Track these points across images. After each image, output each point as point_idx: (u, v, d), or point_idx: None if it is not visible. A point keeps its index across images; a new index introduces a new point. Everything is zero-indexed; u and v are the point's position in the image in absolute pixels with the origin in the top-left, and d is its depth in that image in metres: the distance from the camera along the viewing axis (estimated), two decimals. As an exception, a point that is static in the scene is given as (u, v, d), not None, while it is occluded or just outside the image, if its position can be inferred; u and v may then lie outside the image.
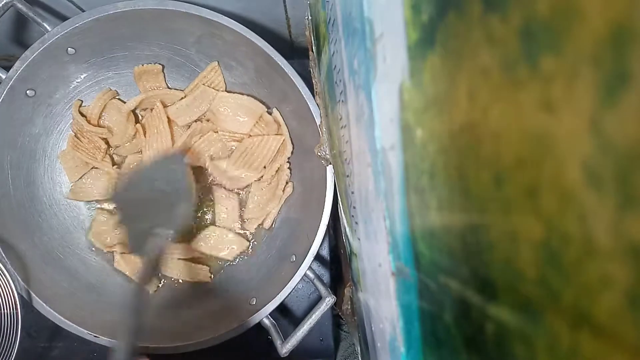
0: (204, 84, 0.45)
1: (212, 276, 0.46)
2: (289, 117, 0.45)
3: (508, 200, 0.12)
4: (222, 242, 0.46)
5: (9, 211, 0.40)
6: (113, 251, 0.45)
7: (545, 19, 0.10)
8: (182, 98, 0.46)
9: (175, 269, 0.45)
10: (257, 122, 0.46)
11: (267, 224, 0.47)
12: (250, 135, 0.46)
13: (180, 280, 0.46)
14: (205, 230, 0.46)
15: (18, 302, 0.36)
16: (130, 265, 0.45)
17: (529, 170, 0.11)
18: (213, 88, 0.45)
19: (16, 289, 0.36)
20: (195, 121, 0.47)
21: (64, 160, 0.45)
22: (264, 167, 0.46)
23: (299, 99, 0.39)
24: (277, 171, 0.46)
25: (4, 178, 0.40)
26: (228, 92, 0.46)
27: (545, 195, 0.10)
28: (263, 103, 0.45)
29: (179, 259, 0.46)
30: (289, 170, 0.46)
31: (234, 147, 0.47)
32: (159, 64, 0.45)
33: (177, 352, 0.38)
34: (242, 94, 0.46)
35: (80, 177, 0.45)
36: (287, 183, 0.46)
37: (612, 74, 0.08)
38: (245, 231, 0.47)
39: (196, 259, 0.46)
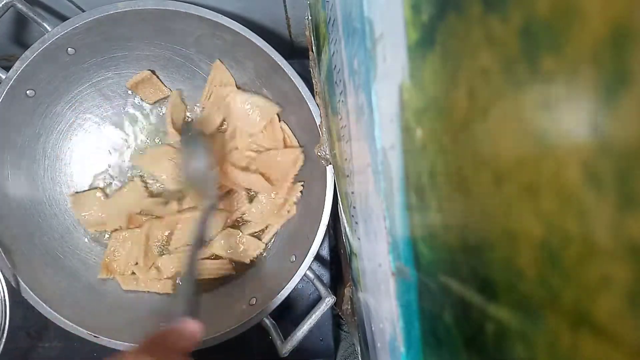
0: (215, 86, 0.45)
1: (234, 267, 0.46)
2: (289, 118, 0.45)
3: (508, 200, 0.12)
4: (237, 245, 0.46)
5: (9, 211, 0.40)
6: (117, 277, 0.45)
7: (545, 19, 0.10)
8: (203, 108, 0.46)
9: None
10: (266, 124, 0.45)
11: (265, 239, 0.46)
12: (267, 148, 0.46)
13: (179, 282, 0.46)
14: (219, 235, 0.46)
15: (7, 298, 0.36)
16: (141, 274, 0.45)
17: (529, 170, 0.11)
18: (224, 85, 0.45)
19: (5, 283, 0.36)
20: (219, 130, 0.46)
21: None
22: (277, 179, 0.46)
23: (299, 99, 0.39)
24: (289, 188, 0.46)
25: (4, 178, 0.40)
26: (240, 89, 0.46)
27: (545, 195, 0.10)
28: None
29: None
30: (300, 194, 0.45)
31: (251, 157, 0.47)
32: (147, 69, 0.45)
33: (177, 352, 0.38)
34: (257, 93, 0.45)
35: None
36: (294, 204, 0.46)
37: (612, 74, 0.08)
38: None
39: (214, 256, 0.47)
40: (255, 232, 0.47)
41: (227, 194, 0.46)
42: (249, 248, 0.46)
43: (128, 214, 0.45)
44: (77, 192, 0.46)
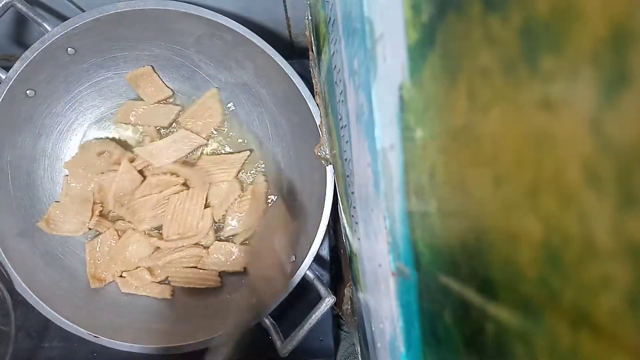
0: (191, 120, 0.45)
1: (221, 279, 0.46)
2: (289, 118, 0.45)
3: (508, 200, 0.12)
4: (230, 255, 0.46)
5: (9, 211, 0.40)
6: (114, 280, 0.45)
7: (545, 19, 0.10)
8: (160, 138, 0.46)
9: (184, 277, 0.45)
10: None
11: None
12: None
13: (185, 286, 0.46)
14: (211, 248, 0.46)
15: (10, 307, 0.36)
16: (136, 282, 0.44)
17: (529, 170, 0.11)
18: (207, 117, 0.46)
19: (7, 294, 0.36)
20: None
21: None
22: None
23: (299, 99, 0.39)
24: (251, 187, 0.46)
25: (4, 178, 0.40)
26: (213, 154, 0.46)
27: (545, 195, 0.10)
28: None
29: (185, 267, 0.45)
30: (265, 183, 0.46)
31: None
32: (149, 65, 0.44)
33: (178, 352, 0.38)
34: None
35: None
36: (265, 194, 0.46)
37: (612, 74, 0.08)
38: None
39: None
40: (246, 240, 0.46)
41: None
42: (240, 256, 0.45)
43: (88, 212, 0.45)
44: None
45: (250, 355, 0.45)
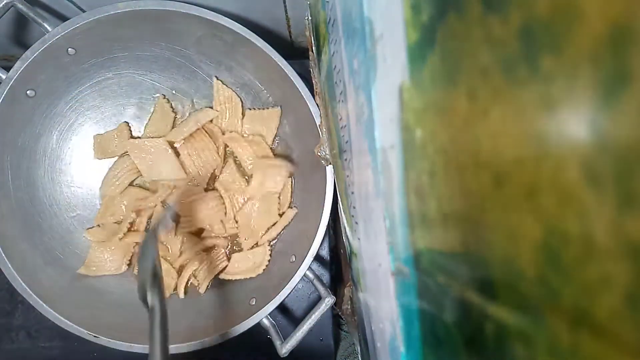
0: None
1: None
2: (289, 118, 0.45)
3: (508, 200, 0.12)
4: (247, 262, 0.46)
5: (9, 211, 0.40)
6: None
7: (545, 19, 0.10)
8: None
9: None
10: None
11: (265, 240, 0.46)
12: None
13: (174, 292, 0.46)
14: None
15: None
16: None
17: (529, 170, 0.11)
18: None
19: None
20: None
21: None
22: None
23: (299, 99, 0.40)
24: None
25: (4, 178, 0.40)
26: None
27: (545, 195, 0.10)
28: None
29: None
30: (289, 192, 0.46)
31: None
32: (125, 122, 0.46)
33: (178, 352, 0.38)
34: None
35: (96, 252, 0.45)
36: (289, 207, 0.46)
37: (611, 74, 0.08)
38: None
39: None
40: (255, 243, 0.47)
41: (207, 250, 0.47)
42: (258, 259, 0.46)
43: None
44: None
45: (250, 355, 0.45)
